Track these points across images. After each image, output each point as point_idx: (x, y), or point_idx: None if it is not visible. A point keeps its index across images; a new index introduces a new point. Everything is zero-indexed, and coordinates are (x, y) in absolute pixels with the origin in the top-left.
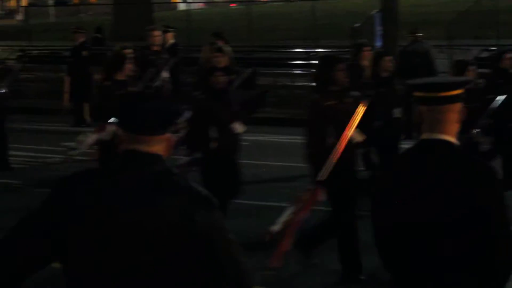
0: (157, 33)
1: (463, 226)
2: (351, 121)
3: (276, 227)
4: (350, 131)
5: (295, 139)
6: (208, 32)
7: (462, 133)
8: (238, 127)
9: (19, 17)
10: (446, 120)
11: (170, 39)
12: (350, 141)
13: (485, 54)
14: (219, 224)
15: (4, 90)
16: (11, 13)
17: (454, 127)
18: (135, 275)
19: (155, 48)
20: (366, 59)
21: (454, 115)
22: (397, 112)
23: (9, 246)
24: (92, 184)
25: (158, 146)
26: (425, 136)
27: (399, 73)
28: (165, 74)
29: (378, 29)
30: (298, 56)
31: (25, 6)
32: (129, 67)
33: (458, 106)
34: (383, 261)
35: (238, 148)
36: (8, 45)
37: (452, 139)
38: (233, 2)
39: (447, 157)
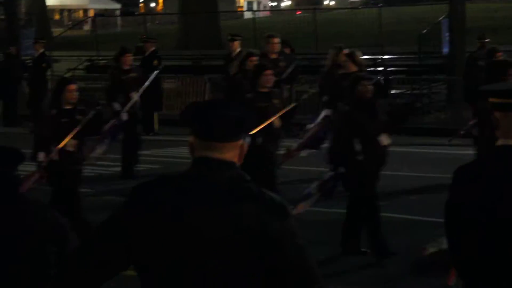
0: (276, 40)
1: None
2: None
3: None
4: None
5: None
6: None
7: None
8: (385, 140)
9: (87, 27)
10: None
11: (237, 47)
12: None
13: None
14: (292, 231)
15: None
16: (79, 23)
17: None
18: (207, 279)
19: (273, 55)
20: None
21: None
22: None
23: (86, 253)
24: (167, 191)
25: (231, 153)
26: (501, 142)
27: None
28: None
29: (446, 35)
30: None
31: (93, 17)
32: None
33: None
34: (457, 268)
35: (384, 161)
36: (76, 55)
37: None
38: (299, 10)
39: None
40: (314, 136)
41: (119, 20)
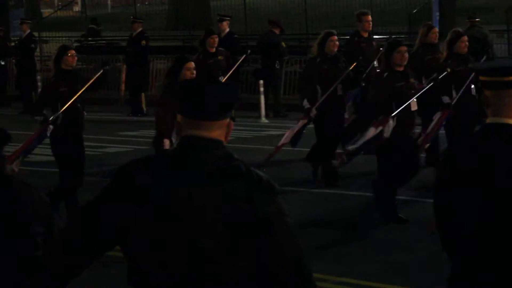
0: (369, 17)
1: None
2: None
3: None
4: None
5: None
6: (264, 20)
7: None
8: (414, 105)
9: (77, 8)
10: None
11: (226, 28)
12: None
13: None
14: (280, 209)
15: None
16: (69, 4)
17: None
18: (196, 257)
19: (365, 34)
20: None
21: None
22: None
23: (72, 233)
24: (154, 170)
25: (219, 131)
26: (490, 120)
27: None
28: (375, 64)
29: (436, 15)
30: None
31: None
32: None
33: None
34: (443, 245)
35: (414, 125)
36: (66, 36)
37: None
38: None
39: None
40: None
41: (109, 1)
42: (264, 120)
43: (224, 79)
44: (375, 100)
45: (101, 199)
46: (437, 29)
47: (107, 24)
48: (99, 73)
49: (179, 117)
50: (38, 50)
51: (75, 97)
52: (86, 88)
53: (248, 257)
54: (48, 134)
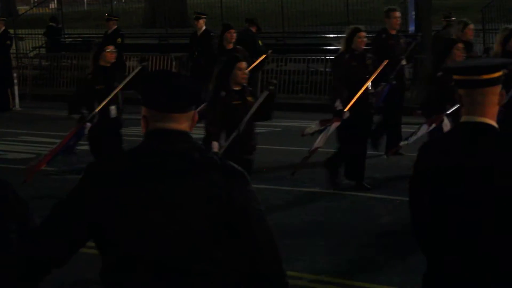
0: (398, 14)
1: (505, 209)
2: None
3: None
4: None
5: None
6: (241, 18)
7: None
8: None
9: (53, 5)
10: (486, 102)
11: (202, 25)
12: None
13: None
14: (254, 196)
15: None
16: (45, 1)
17: (494, 109)
18: (178, 249)
19: (393, 31)
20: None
21: (494, 97)
22: None
23: (47, 231)
24: (130, 166)
25: (186, 123)
26: (465, 119)
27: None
28: (403, 62)
29: (412, 14)
30: (331, 42)
31: None
32: None
33: (498, 89)
34: (419, 244)
35: None
36: (42, 33)
37: (492, 121)
38: None
39: (488, 140)
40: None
41: None
42: None
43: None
44: (430, 99)
45: (76, 198)
46: (472, 26)
47: (83, 22)
48: (137, 69)
49: (145, 111)
50: (14, 47)
51: (111, 95)
52: (124, 86)
53: (228, 245)
54: (86, 132)
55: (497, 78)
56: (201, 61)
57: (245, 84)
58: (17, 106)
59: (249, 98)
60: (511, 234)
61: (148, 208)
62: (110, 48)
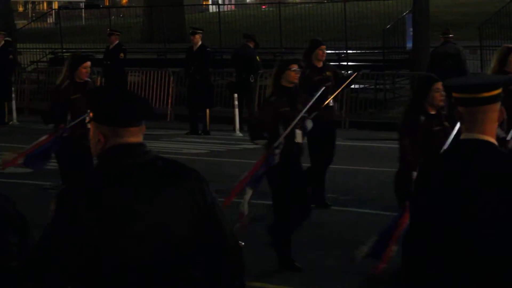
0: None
1: (502, 228)
2: None
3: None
4: None
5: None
6: (239, 34)
7: None
8: None
9: (51, 20)
10: (486, 120)
11: (198, 41)
12: None
13: None
14: (215, 196)
15: None
16: (43, 16)
17: (493, 126)
18: (158, 258)
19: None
20: None
21: (493, 114)
22: None
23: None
24: (101, 182)
25: (141, 136)
26: (464, 136)
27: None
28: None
29: (410, 30)
30: (329, 58)
31: (57, 9)
32: None
33: (497, 106)
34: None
35: None
36: (40, 47)
37: (491, 139)
38: (264, 4)
39: (487, 157)
40: None
41: (83, 13)
42: (238, 133)
43: (330, 99)
44: None
45: (60, 228)
46: None
47: (81, 36)
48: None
49: (100, 128)
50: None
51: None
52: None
53: (202, 242)
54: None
55: (497, 95)
56: (197, 76)
57: (441, 106)
58: (15, 120)
59: (445, 124)
60: (508, 252)
61: (129, 221)
62: (87, 64)
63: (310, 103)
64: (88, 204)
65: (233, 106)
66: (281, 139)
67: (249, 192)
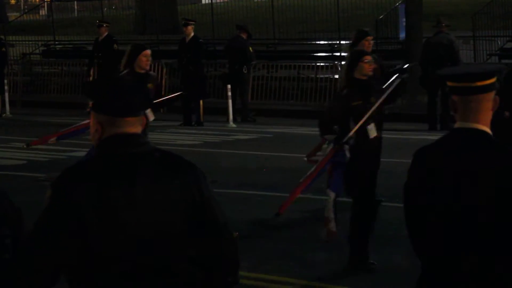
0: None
1: (495, 215)
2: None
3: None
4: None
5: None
6: (231, 25)
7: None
8: None
9: (43, 12)
10: (480, 109)
11: (191, 32)
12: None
13: (510, 45)
14: (211, 189)
15: None
16: (35, 8)
17: (488, 115)
18: (152, 251)
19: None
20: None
21: (488, 104)
22: None
23: (35, 258)
24: (96, 172)
25: (140, 126)
26: (458, 125)
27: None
28: None
29: (402, 21)
30: (322, 49)
31: (49, 1)
32: None
33: (491, 95)
34: (414, 249)
35: None
36: (33, 40)
37: (486, 128)
38: None
39: (482, 146)
40: None
41: (75, 5)
42: (232, 124)
43: (382, 98)
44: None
45: (53, 220)
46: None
47: (74, 28)
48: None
49: (98, 117)
50: None
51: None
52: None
53: (196, 237)
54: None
55: (491, 84)
56: (190, 68)
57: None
58: (8, 113)
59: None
60: (507, 236)
61: (125, 210)
62: (147, 53)
63: (385, 95)
64: (84, 193)
65: (226, 97)
66: (351, 134)
67: (331, 195)
